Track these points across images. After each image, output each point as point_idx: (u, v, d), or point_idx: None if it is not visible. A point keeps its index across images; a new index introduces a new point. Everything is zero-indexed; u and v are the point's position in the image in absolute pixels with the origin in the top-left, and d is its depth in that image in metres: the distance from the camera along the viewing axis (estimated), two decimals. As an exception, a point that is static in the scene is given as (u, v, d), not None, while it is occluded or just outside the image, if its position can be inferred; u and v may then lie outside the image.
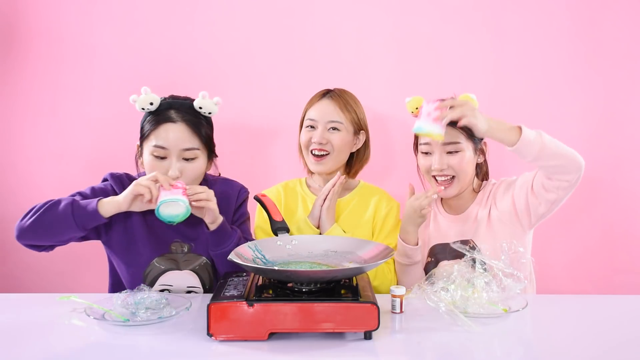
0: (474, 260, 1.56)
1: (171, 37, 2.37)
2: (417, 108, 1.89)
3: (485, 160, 1.96)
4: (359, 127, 2.00)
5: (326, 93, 2.01)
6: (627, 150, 2.36)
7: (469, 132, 1.82)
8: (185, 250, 1.80)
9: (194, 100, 1.76)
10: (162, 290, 1.75)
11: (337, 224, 1.93)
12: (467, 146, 1.85)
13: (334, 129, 1.95)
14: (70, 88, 2.39)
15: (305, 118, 2.00)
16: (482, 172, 1.97)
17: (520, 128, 1.67)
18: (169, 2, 2.37)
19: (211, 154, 1.80)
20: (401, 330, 1.44)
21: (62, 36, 2.38)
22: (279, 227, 1.67)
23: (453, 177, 1.86)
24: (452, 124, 1.80)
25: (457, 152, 1.83)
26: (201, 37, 2.38)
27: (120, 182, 1.78)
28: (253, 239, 1.89)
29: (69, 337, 1.41)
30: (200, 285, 1.80)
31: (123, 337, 1.38)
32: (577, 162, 1.71)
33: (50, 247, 1.73)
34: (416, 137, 1.92)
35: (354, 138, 2.00)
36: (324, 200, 1.92)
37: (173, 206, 1.57)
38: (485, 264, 1.55)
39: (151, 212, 1.64)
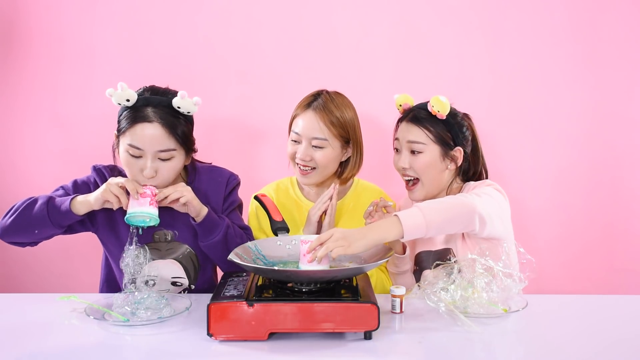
0: (457, 269, 1.54)
1: (171, 37, 2.37)
2: (401, 105, 1.89)
3: (464, 165, 1.87)
4: (347, 138, 1.91)
5: (313, 101, 1.89)
6: (626, 149, 2.36)
7: (437, 136, 1.80)
8: (169, 238, 1.79)
9: (174, 92, 1.71)
10: (146, 282, 1.73)
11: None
12: (431, 149, 1.80)
13: (318, 146, 1.86)
14: (70, 88, 2.39)
15: (292, 129, 1.92)
16: (467, 175, 1.91)
17: (398, 218, 1.52)
18: (169, 2, 2.37)
19: (189, 150, 1.74)
20: (401, 330, 1.44)
21: (62, 36, 2.37)
22: (279, 227, 1.66)
23: (417, 179, 1.83)
24: (417, 121, 1.81)
25: (419, 152, 1.80)
26: (201, 37, 2.38)
27: (102, 175, 1.78)
28: (246, 226, 1.87)
29: (69, 337, 1.41)
30: (184, 276, 1.79)
31: (123, 337, 1.38)
32: (465, 215, 1.60)
33: (34, 243, 1.74)
34: (395, 134, 1.92)
35: (341, 151, 1.92)
36: (320, 216, 1.86)
37: (140, 217, 1.60)
38: (460, 271, 1.54)
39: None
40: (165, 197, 1.63)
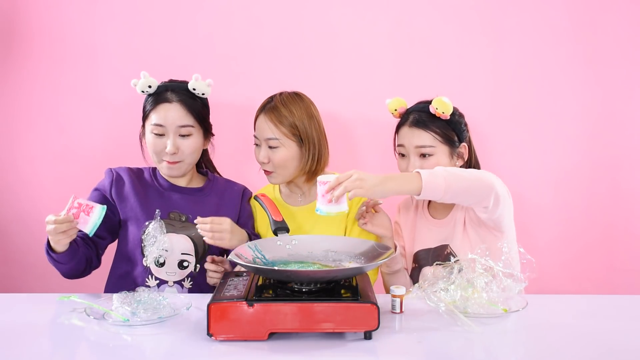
0: (457, 270, 1.54)
1: (172, 36, 2.37)
2: (396, 109, 1.90)
3: (469, 160, 1.92)
4: (301, 138, 1.89)
5: (267, 104, 1.92)
6: (627, 149, 2.36)
7: (444, 136, 1.82)
8: (183, 219, 1.89)
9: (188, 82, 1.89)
10: (157, 260, 1.83)
11: (313, 230, 1.91)
12: (441, 150, 1.83)
13: (273, 147, 1.88)
14: (72, 88, 2.39)
15: (254, 134, 1.96)
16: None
17: (419, 174, 1.58)
18: (169, 2, 2.37)
19: (207, 132, 1.92)
20: (401, 330, 1.44)
21: (63, 36, 2.37)
22: (279, 227, 1.67)
23: None
24: (422, 125, 1.82)
25: (430, 155, 1.82)
26: (203, 36, 2.38)
27: (111, 176, 1.90)
28: (258, 235, 1.94)
29: (69, 337, 1.41)
30: (193, 253, 1.86)
31: (123, 337, 1.38)
32: (484, 188, 1.63)
33: (96, 263, 1.87)
34: (395, 138, 1.93)
35: (300, 150, 1.90)
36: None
37: (95, 228, 1.65)
38: (460, 271, 1.54)
39: (145, 190, 1.88)
40: (208, 231, 1.72)
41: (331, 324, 1.33)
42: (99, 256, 1.87)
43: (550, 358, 1.29)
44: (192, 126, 1.85)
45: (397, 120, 1.94)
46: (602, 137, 2.36)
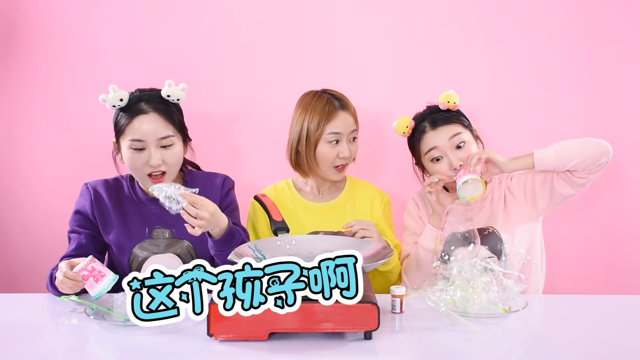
0: (457, 270, 1.54)
1: (173, 36, 2.37)
2: (407, 126, 1.91)
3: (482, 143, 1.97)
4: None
5: (334, 102, 1.93)
6: (627, 150, 2.36)
7: (464, 123, 1.87)
8: (167, 235, 1.83)
9: (160, 90, 1.79)
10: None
11: (333, 226, 1.90)
12: (468, 136, 1.86)
13: (354, 139, 1.96)
14: (72, 88, 2.39)
15: (328, 132, 1.90)
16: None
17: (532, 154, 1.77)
18: (171, 1, 2.37)
19: (185, 138, 1.83)
20: (401, 330, 1.44)
21: (64, 36, 2.37)
22: (279, 227, 1.67)
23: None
24: (448, 120, 1.85)
25: (464, 143, 1.84)
26: (203, 36, 2.38)
27: (89, 195, 1.83)
28: (244, 227, 1.88)
29: (69, 337, 1.41)
30: None
31: (123, 337, 1.38)
32: (601, 151, 1.77)
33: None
34: (416, 156, 1.94)
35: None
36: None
37: (100, 295, 1.57)
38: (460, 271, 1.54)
39: (124, 209, 1.81)
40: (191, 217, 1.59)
41: (331, 324, 1.33)
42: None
43: (550, 358, 1.29)
44: (173, 135, 1.75)
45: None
46: (601, 137, 2.35)
